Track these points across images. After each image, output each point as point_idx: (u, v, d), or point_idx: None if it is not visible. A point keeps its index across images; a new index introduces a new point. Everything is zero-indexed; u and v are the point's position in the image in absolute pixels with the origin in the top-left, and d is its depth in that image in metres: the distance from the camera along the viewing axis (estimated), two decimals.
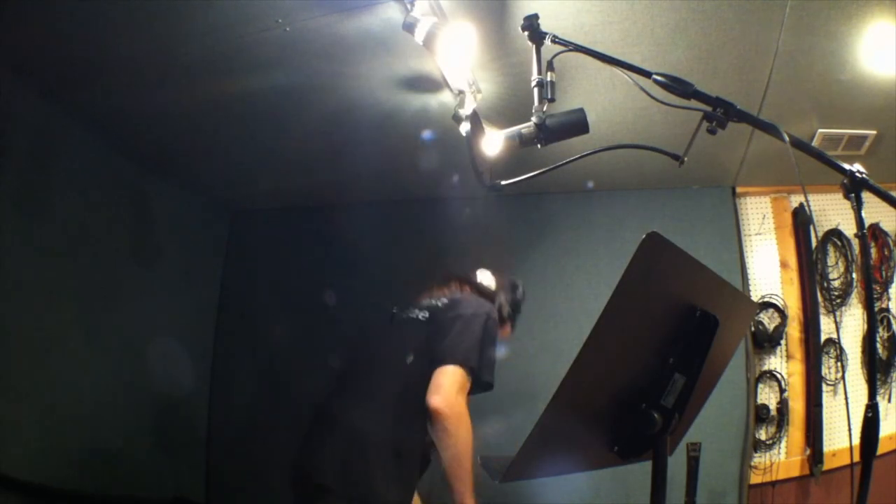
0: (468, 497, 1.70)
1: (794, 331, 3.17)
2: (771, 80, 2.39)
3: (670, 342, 1.02)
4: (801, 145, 1.25)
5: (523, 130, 1.54)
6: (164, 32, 2.03)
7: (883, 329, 3.04)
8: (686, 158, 1.47)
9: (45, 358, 2.38)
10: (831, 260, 3.22)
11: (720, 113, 1.29)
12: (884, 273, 3.11)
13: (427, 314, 1.97)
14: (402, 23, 1.87)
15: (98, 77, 2.25)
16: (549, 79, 1.50)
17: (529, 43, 1.53)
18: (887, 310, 3.06)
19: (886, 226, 3.12)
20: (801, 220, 3.26)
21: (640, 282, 0.95)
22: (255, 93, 2.39)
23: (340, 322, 3.34)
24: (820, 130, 2.75)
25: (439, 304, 1.99)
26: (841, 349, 3.05)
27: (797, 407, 3.09)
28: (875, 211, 3.04)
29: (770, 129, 1.26)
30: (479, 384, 1.81)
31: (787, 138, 1.22)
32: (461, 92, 2.28)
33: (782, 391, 3.09)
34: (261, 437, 3.36)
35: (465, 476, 1.70)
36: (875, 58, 2.23)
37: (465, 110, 2.28)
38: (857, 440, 1.08)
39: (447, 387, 1.71)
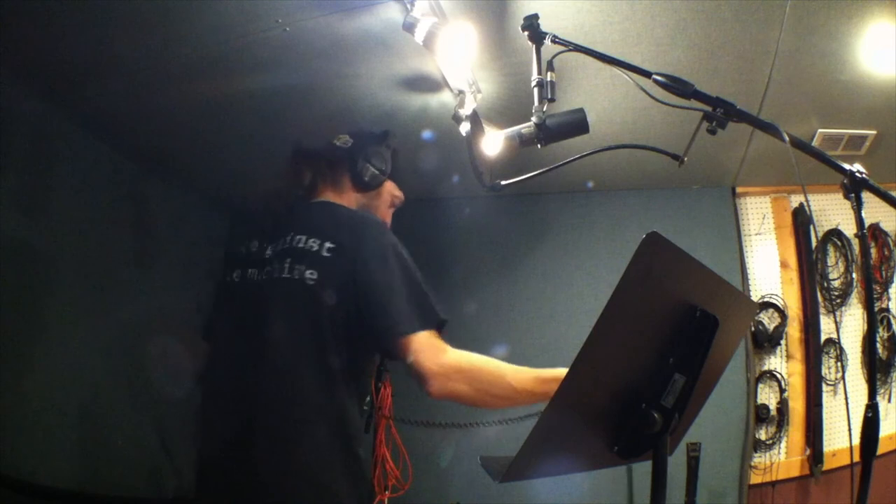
0: (538, 385, 1.37)
1: (794, 331, 3.18)
2: (771, 80, 2.38)
3: (670, 342, 1.02)
4: (801, 145, 1.25)
5: (523, 130, 1.53)
6: (163, 32, 2.03)
7: (883, 329, 3.04)
8: (686, 158, 1.47)
9: (45, 358, 2.38)
10: (831, 260, 3.22)
11: (720, 113, 1.29)
12: (884, 273, 3.11)
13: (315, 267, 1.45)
14: (402, 23, 1.87)
15: (98, 77, 2.25)
16: (549, 79, 1.50)
17: (529, 43, 1.53)
18: (887, 310, 3.06)
19: (886, 226, 3.12)
20: (801, 220, 3.26)
21: (640, 282, 0.95)
22: (255, 93, 2.39)
23: None
24: (820, 130, 2.75)
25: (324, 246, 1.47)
26: (841, 349, 3.05)
27: (797, 407, 3.09)
28: (875, 211, 3.04)
29: (770, 129, 1.26)
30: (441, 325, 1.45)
31: (787, 138, 1.22)
32: (461, 92, 2.28)
33: (782, 391, 3.09)
34: None
35: (513, 395, 1.36)
36: (875, 58, 2.23)
37: (465, 110, 2.28)
38: (857, 440, 1.08)
39: (429, 363, 1.35)
